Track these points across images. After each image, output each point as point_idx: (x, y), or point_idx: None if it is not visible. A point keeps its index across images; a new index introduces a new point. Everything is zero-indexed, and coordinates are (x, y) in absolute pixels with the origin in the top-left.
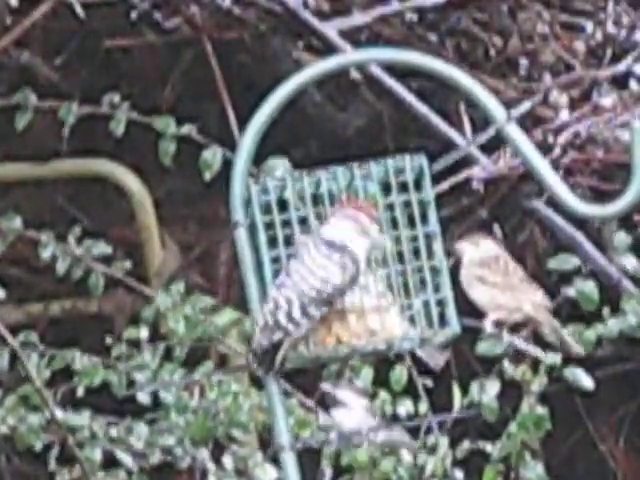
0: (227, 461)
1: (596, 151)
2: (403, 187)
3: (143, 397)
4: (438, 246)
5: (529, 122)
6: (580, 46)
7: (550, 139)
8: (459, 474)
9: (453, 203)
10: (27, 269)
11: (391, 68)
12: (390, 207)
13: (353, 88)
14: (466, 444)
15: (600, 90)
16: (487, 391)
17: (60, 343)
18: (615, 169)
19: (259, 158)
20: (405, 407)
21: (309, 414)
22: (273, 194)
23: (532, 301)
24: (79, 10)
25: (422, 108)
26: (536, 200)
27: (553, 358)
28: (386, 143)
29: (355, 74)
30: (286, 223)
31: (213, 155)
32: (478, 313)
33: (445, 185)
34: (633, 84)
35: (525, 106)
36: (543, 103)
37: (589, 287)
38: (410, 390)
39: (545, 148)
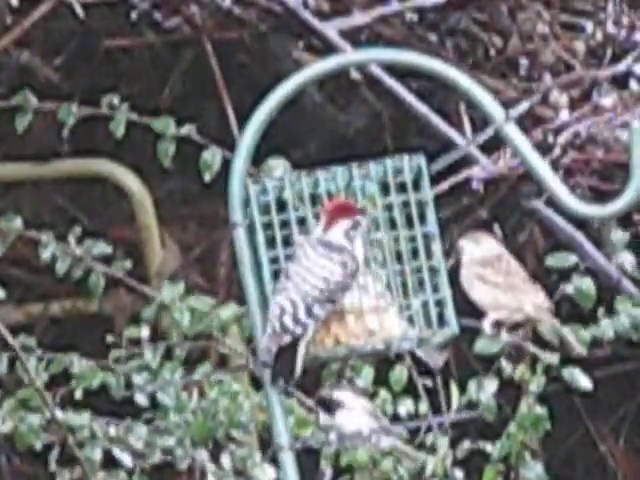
0: (225, 461)
1: (596, 151)
2: (402, 187)
3: (141, 399)
4: (437, 246)
5: (529, 122)
6: (580, 46)
7: (550, 139)
8: (459, 474)
9: (453, 203)
10: (27, 269)
11: (391, 68)
12: (389, 207)
13: (353, 88)
14: (466, 444)
15: (600, 90)
16: (485, 389)
17: (60, 343)
18: (615, 169)
19: (259, 158)
20: (405, 407)
21: (309, 414)
22: (272, 194)
23: (533, 302)
24: (79, 10)
25: (422, 108)
26: (536, 200)
27: (551, 358)
28: (386, 143)
29: (355, 74)
30: (285, 223)
31: (213, 156)
32: (477, 313)
33: (445, 185)
34: (633, 84)
35: (524, 106)
36: (543, 103)
37: (586, 284)
38: (410, 390)
39: (545, 148)
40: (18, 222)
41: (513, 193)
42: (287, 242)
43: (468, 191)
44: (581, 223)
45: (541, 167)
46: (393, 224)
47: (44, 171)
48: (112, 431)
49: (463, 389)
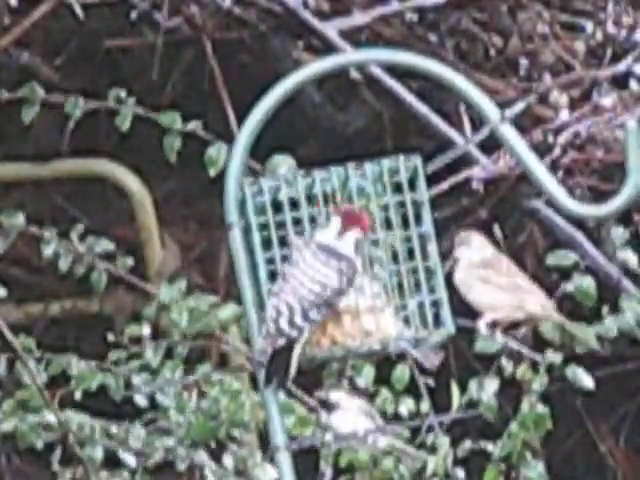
0: (227, 461)
1: (596, 151)
2: (398, 187)
3: (141, 399)
4: (432, 247)
5: (529, 122)
6: (580, 46)
7: (550, 139)
8: (460, 473)
9: (453, 203)
10: (27, 269)
11: (391, 68)
12: (385, 207)
13: (353, 88)
14: (467, 443)
15: (600, 90)
16: (486, 389)
17: (60, 343)
18: (615, 169)
19: (260, 158)
20: (406, 406)
21: (310, 413)
22: (268, 195)
23: (539, 301)
24: (79, 11)
25: (422, 108)
26: (536, 200)
27: (554, 357)
28: (386, 143)
29: (355, 74)
30: (281, 224)
31: (218, 151)
32: (473, 313)
33: (445, 185)
34: (633, 84)
35: (519, 106)
36: (543, 103)
37: (587, 283)
38: (411, 389)
39: (545, 148)
40: (20, 218)
41: (513, 193)
42: (283, 243)
43: (468, 191)
44: (581, 223)
45: (537, 167)
46: (389, 224)
47: (44, 171)
48: (113, 430)
49: (463, 389)
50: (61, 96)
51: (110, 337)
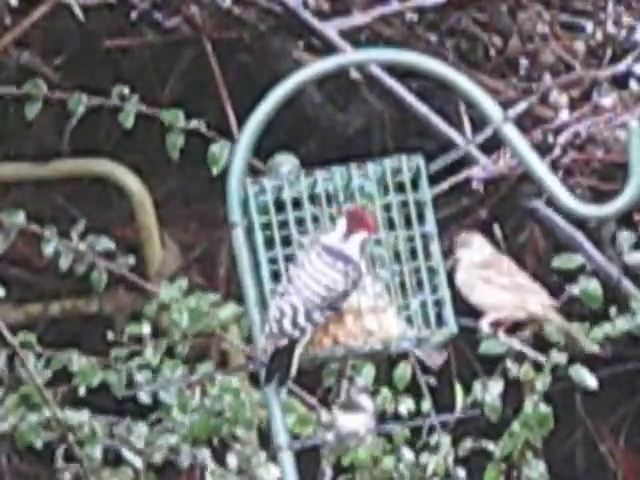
0: (231, 460)
1: (596, 151)
2: (400, 187)
3: (144, 396)
4: (435, 246)
5: (529, 122)
6: (580, 46)
7: (550, 139)
8: (461, 473)
9: (453, 203)
10: (27, 269)
11: (391, 68)
12: (387, 207)
13: (353, 88)
14: (468, 443)
15: (600, 90)
16: (490, 390)
17: (60, 343)
18: (615, 169)
19: (260, 158)
20: (406, 405)
21: (310, 412)
22: (270, 194)
23: (540, 301)
24: (78, 12)
25: (422, 108)
26: (536, 200)
27: (558, 357)
28: (386, 143)
29: (355, 74)
30: (283, 223)
31: (221, 149)
32: (475, 313)
33: (445, 185)
34: (633, 84)
35: (522, 106)
36: (543, 103)
37: (593, 286)
38: (412, 389)
39: (545, 148)
40: (21, 217)
41: (513, 193)
42: (286, 242)
43: (468, 191)
44: (581, 223)
45: (539, 167)
46: (392, 224)
47: (44, 171)
48: (115, 428)
49: (464, 388)
50: (64, 93)
51: (110, 336)
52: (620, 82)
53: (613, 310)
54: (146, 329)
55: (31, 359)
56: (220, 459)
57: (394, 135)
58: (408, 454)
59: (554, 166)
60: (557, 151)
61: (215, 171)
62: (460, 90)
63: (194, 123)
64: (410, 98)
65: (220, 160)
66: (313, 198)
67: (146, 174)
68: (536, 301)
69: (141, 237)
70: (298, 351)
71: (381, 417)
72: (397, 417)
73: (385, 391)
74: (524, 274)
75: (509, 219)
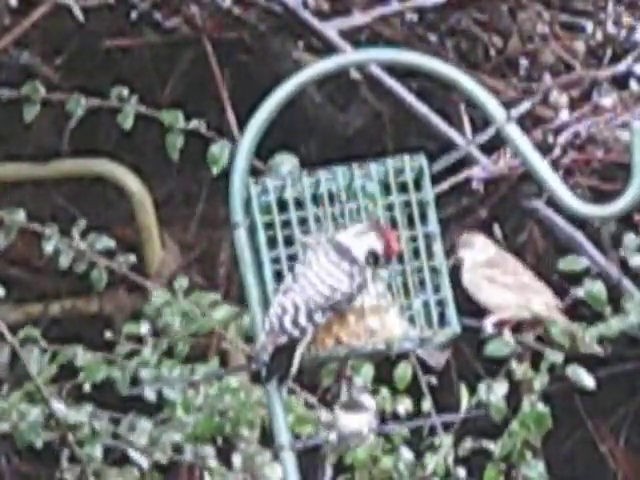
0: (237, 460)
1: (596, 151)
2: (403, 187)
3: (149, 394)
4: (438, 246)
5: (529, 122)
6: (580, 46)
7: (550, 139)
8: (462, 472)
9: (453, 203)
10: (27, 269)
11: (391, 68)
12: (390, 207)
13: (353, 88)
14: (468, 443)
15: (600, 90)
16: (495, 391)
17: (60, 343)
18: (615, 169)
19: (261, 157)
20: (404, 405)
21: (309, 411)
22: (273, 194)
23: (544, 301)
24: (78, 13)
25: (422, 108)
26: (536, 200)
27: (555, 356)
28: (386, 143)
29: (355, 74)
30: (286, 223)
31: (221, 149)
32: (479, 313)
33: (445, 185)
34: (633, 84)
35: (524, 106)
36: (543, 103)
37: (598, 288)
38: (413, 389)
39: (545, 148)
40: (21, 215)
41: (513, 193)
42: (288, 242)
43: (468, 191)
44: (581, 223)
45: (542, 167)
46: (394, 224)
47: (44, 171)
48: (118, 426)
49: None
50: (63, 95)
51: (108, 335)
52: (620, 82)
53: (608, 310)
54: (144, 329)
55: (34, 355)
56: (224, 458)
57: (394, 135)
58: (407, 454)
59: (554, 166)
60: (557, 151)
61: (215, 171)
62: (462, 90)
63: (194, 123)
64: (410, 98)
65: (220, 160)
66: (315, 198)
67: (146, 174)
68: (540, 301)
69: (141, 237)
70: (299, 350)
71: (380, 417)
72: (396, 417)
73: (384, 391)
74: (530, 273)
75: (509, 219)
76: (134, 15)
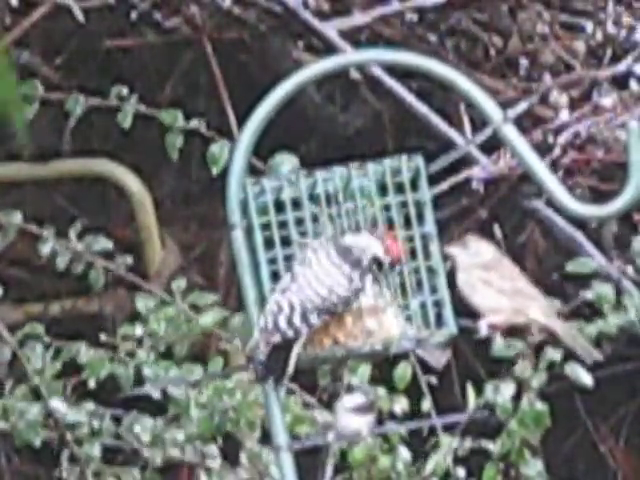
0: (244, 459)
1: (596, 151)
2: (400, 188)
3: (154, 392)
4: (435, 247)
5: (529, 122)
6: (580, 46)
7: (550, 139)
8: (461, 472)
9: (453, 203)
10: (27, 269)
11: (391, 68)
12: (387, 207)
13: (353, 88)
14: (468, 442)
15: (600, 90)
16: (502, 392)
17: (60, 343)
18: (615, 169)
19: (260, 158)
20: (401, 404)
21: (305, 410)
22: (270, 195)
23: (541, 307)
24: (78, 14)
25: (422, 108)
26: (536, 200)
27: (553, 354)
28: (386, 143)
29: (355, 74)
30: (283, 224)
31: (221, 149)
32: (476, 314)
33: (445, 185)
34: (633, 84)
35: (522, 106)
36: (543, 103)
37: (605, 291)
38: (413, 388)
39: (545, 148)
40: (18, 217)
41: (513, 193)
42: (285, 243)
43: (468, 191)
44: (581, 223)
45: (539, 168)
46: (391, 224)
47: (44, 171)
48: (115, 426)
49: (463, 388)
50: (62, 94)
51: (103, 336)
52: (620, 82)
53: (606, 307)
54: (139, 330)
55: (36, 352)
56: (227, 458)
57: (394, 135)
58: (405, 453)
59: (554, 166)
60: (557, 151)
61: (215, 171)
62: (460, 90)
63: (194, 123)
64: (410, 98)
65: (220, 160)
66: (313, 198)
67: (146, 174)
68: (537, 308)
69: (141, 237)
70: (295, 351)
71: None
72: (393, 416)
73: (381, 390)
74: (525, 279)
75: (509, 219)
76: (134, 15)
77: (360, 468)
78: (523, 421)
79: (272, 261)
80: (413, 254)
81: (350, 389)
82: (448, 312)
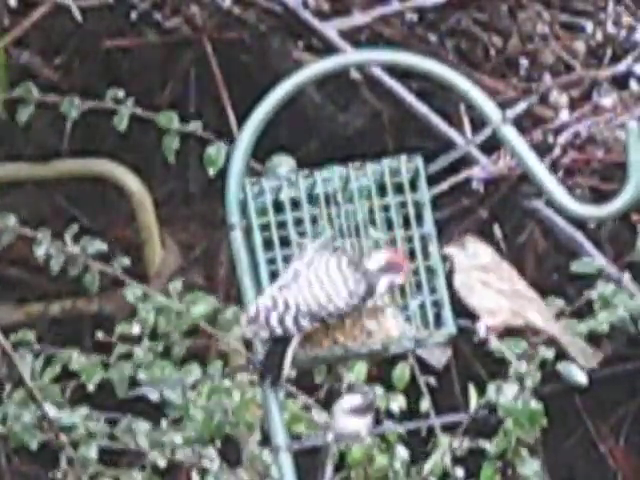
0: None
1: (596, 151)
2: (399, 188)
3: (152, 394)
4: (434, 247)
5: (529, 122)
6: (580, 46)
7: (550, 139)
8: (460, 472)
9: (453, 203)
10: (27, 269)
11: (391, 68)
12: (386, 208)
13: (353, 88)
14: (466, 442)
15: (600, 90)
16: (504, 392)
17: (60, 343)
18: (615, 169)
19: (260, 158)
20: (398, 403)
21: (303, 410)
22: (269, 195)
23: (539, 310)
24: (76, 14)
25: (422, 108)
26: (536, 200)
27: (546, 352)
28: (386, 143)
29: (355, 74)
30: (282, 224)
31: (217, 151)
32: (475, 314)
33: (445, 185)
34: (633, 84)
35: (521, 107)
36: (543, 103)
37: (609, 290)
38: (412, 388)
39: (545, 148)
40: (12, 220)
41: (513, 193)
42: (284, 243)
43: (468, 191)
44: (581, 223)
45: (538, 168)
46: (390, 225)
47: (44, 171)
48: (110, 429)
49: (464, 389)
50: (61, 95)
51: (99, 336)
52: (620, 82)
53: (597, 305)
54: (136, 329)
55: (27, 359)
56: (227, 459)
57: (394, 135)
58: (402, 452)
59: (554, 166)
60: (557, 151)
61: (211, 172)
62: (459, 91)
63: (192, 125)
64: (410, 98)
65: (217, 162)
66: (312, 199)
67: (146, 174)
68: (535, 310)
69: (141, 237)
70: (291, 351)
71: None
72: (389, 415)
73: (378, 389)
74: (524, 282)
75: (509, 219)
76: (134, 15)
77: (358, 467)
78: (518, 420)
79: (271, 261)
80: (412, 254)
81: (349, 389)
82: (447, 312)
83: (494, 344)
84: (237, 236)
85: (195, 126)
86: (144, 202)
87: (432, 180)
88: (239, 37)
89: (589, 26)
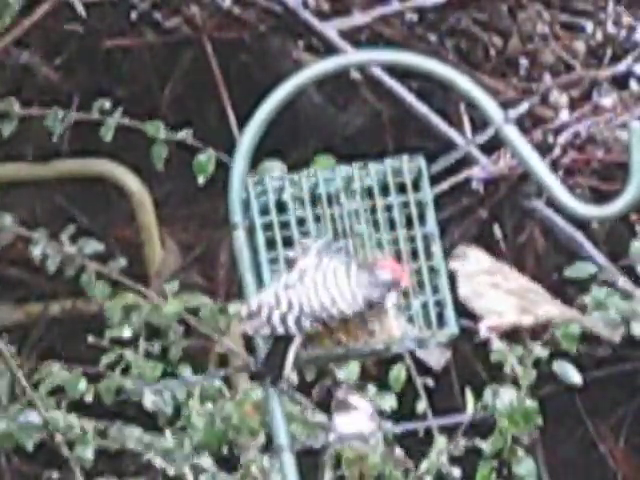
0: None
1: (596, 151)
2: (401, 188)
3: (148, 403)
4: (436, 247)
5: (529, 122)
6: (580, 46)
7: (550, 139)
8: (456, 472)
9: (453, 203)
10: (27, 269)
11: (391, 68)
12: (388, 208)
13: (353, 88)
14: (462, 442)
15: (600, 90)
16: (501, 396)
17: (60, 343)
18: (615, 169)
19: (257, 159)
20: (390, 402)
21: (297, 408)
22: (272, 195)
23: (552, 302)
24: (80, 9)
25: (422, 108)
26: (536, 200)
27: (540, 351)
28: (386, 143)
29: (355, 74)
30: (284, 224)
31: (208, 158)
32: (476, 315)
33: (445, 185)
34: (633, 84)
35: (523, 107)
36: (543, 103)
37: (605, 294)
38: (411, 389)
39: (545, 148)
40: (7, 220)
41: (513, 193)
42: (287, 243)
43: (468, 191)
44: (581, 223)
45: (540, 168)
46: (392, 225)
47: (44, 171)
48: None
49: (462, 389)
50: (42, 110)
51: (90, 339)
52: (620, 82)
53: (589, 306)
54: (127, 332)
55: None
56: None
57: (394, 135)
58: (398, 451)
59: (554, 166)
60: (557, 151)
61: (201, 180)
62: (461, 91)
63: (181, 134)
64: (410, 98)
65: (207, 168)
66: (314, 198)
67: (146, 174)
68: (547, 302)
69: (141, 237)
70: (292, 351)
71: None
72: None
73: (371, 388)
74: (526, 279)
75: (509, 219)
76: (134, 15)
77: (352, 466)
78: (513, 418)
79: (273, 261)
80: (415, 254)
81: (341, 388)
82: (450, 312)
83: (496, 344)
84: (240, 235)
85: (186, 134)
86: (144, 202)
87: (432, 180)
88: (239, 37)
89: (589, 26)
